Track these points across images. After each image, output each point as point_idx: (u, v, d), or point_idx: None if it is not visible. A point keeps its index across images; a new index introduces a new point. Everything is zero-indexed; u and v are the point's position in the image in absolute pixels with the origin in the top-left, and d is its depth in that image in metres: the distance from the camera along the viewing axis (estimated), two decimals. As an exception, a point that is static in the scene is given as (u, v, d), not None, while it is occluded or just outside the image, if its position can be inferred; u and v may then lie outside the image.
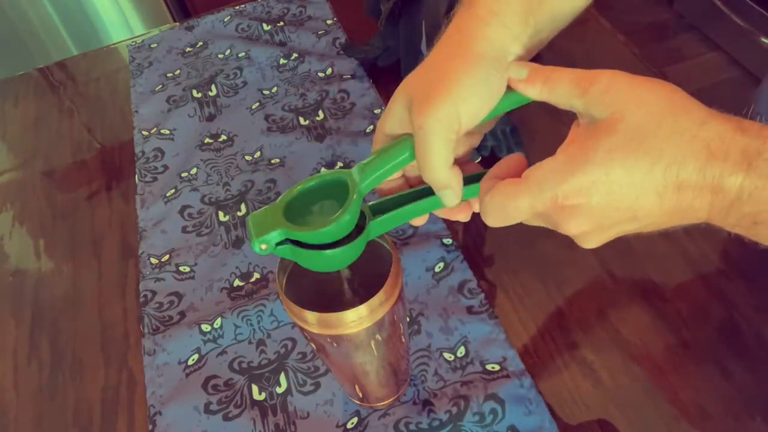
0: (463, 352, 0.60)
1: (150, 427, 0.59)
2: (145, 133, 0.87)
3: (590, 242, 0.38)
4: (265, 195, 0.76)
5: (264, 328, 0.64)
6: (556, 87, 0.37)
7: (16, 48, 1.66)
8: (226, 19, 1.01)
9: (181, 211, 0.77)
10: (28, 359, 0.67)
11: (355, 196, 0.40)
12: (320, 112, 0.85)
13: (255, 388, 0.60)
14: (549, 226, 0.39)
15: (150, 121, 0.89)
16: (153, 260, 0.72)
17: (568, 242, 0.39)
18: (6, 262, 0.78)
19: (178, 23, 1.05)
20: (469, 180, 0.42)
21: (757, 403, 0.54)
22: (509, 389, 0.57)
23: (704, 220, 0.35)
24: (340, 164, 0.78)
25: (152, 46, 1.01)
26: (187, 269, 0.71)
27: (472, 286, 0.64)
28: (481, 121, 0.40)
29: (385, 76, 0.87)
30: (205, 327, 0.65)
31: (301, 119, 0.84)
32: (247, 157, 0.81)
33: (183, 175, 0.81)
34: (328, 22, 0.98)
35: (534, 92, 0.38)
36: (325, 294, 0.46)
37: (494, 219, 0.39)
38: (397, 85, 0.42)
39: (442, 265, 0.66)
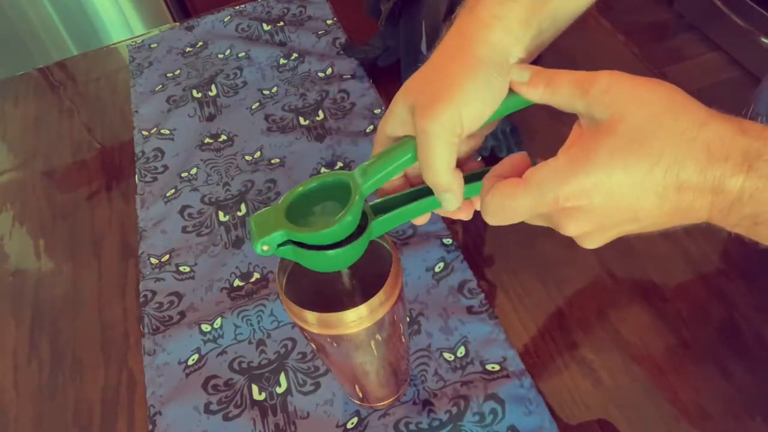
0: (463, 352, 0.60)
1: (150, 427, 0.59)
2: (145, 133, 0.87)
3: (591, 243, 0.38)
4: (265, 195, 0.76)
5: (264, 328, 0.64)
6: (558, 89, 0.37)
7: (16, 48, 1.66)
8: (226, 19, 1.01)
9: (181, 211, 0.77)
10: (28, 359, 0.67)
11: (357, 198, 0.40)
12: (320, 112, 0.85)
13: (255, 388, 0.60)
14: (550, 226, 0.39)
15: (150, 121, 0.89)
16: (153, 260, 0.72)
17: (568, 242, 0.39)
18: (6, 262, 0.78)
19: (178, 23, 1.05)
20: (472, 178, 0.42)
21: (757, 403, 0.54)
22: (509, 389, 0.57)
23: (705, 220, 0.35)
24: (340, 164, 0.78)
25: (152, 46, 1.01)
26: (187, 269, 0.71)
27: (472, 286, 0.64)
28: (483, 124, 0.40)
29: (385, 76, 0.87)
30: (205, 327, 0.65)
31: (301, 119, 0.84)
32: (247, 157, 0.81)
33: (183, 175, 0.81)
34: (328, 22, 0.98)
35: (536, 95, 0.38)
36: (325, 294, 0.46)
37: (495, 218, 0.39)
38: (397, 85, 0.42)
39: (442, 265, 0.66)
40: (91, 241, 0.77)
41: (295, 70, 0.91)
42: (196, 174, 0.80)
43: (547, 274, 0.64)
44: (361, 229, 0.41)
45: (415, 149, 0.40)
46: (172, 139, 0.85)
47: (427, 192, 0.42)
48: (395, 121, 0.42)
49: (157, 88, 0.93)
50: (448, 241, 0.68)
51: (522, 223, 0.39)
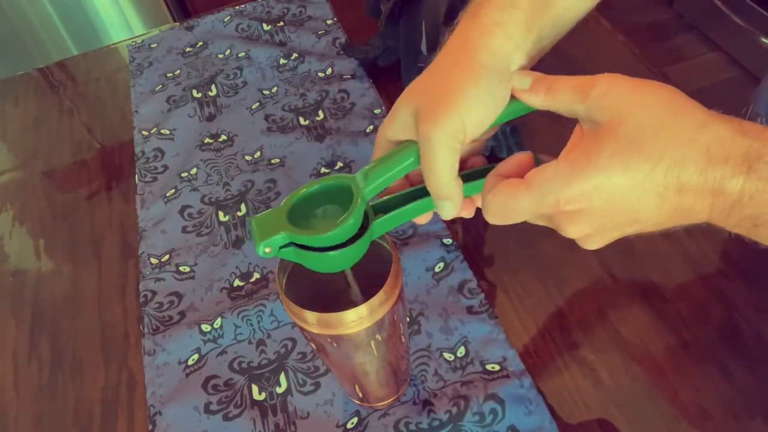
0: (463, 352, 0.60)
1: (150, 427, 0.59)
2: (145, 133, 0.87)
3: (592, 244, 0.39)
4: (265, 195, 0.76)
5: (264, 328, 0.64)
6: (558, 95, 0.37)
7: (16, 48, 1.66)
8: (226, 19, 1.01)
9: (181, 211, 0.77)
10: (28, 359, 0.67)
11: (359, 201, 0.40)
12: (320, 112, 0.85)
13: (255, 388, 0.60)
14: (551, 227, 0.39)
15: (150, 121, 0.89)
16: (153, 260, 0.72)
17: (568, 242, 0.39)
18: (6, 262, 0.78)
19: (178, 23, 1.05)
20: (473, 176, 0.42)
21: (757, 403, 0.54)
22: (509, 389, 0.57)
23: (705, 220, 0.35)
24: (340, 164, 0.78)
25: (152, 46, 1.01)
26: (187, 269, 0.71)
27: (472, 286, 0.64)
28: (485, 130, 0.40)
29: (385, 76, 0.87)
30: (205, 327, 0.65)
31: (301, 119, 0.84)
32: (247, 157, 0.81)
33: (183, 175, 0.81)
34: (328, 22, 0.98)
35: (538, 101, 0.38)
36: (325, 294, 0.46)
37: (496, 217, 0.39)
38: (398, 85, 0.42)
39: (442, 265, 0.66)
40: (91, 241, 0.77)
41: (295, 70, 0.91)
42: (196, 174, 0.80)
43: (548, 274, 0.64)
44: (362, 229, 0.41)
45: (417, 154, 0.40)
46: (172, 139, 0.85)
47: (428, 191, 0.42)
48: (397, 125, 0.42)
49: (157, 88, 0.93)
50: (448, 241, 0.68)
51: (522, 223, 0.39)
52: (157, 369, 0.63)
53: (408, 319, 0.62)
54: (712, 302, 0.60)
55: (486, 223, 0.39)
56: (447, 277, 0.65)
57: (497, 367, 0.58)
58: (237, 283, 0.69)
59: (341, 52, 0.92)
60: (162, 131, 0.87)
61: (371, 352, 0.48)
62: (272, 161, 0.80)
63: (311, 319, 0.44)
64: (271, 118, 0.85)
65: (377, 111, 0.83)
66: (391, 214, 0.43)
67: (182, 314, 0.67)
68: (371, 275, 0.46)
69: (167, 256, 0.72)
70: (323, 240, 0.40)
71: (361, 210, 0.41)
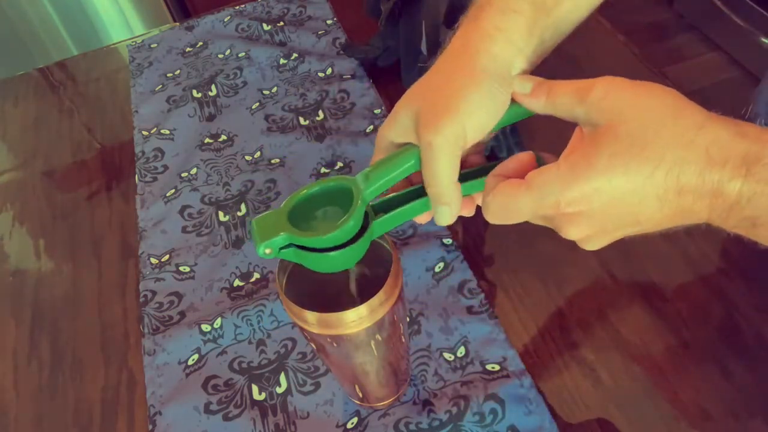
0: (463, 352, 0.60)
1: (150, 427, 0.59)
2: (145, 133, 0.87)
3: (592, 245, 0.39)
4: (265, 195, 0.76)
5: (264, 328, 0.64)
6: (558, 98, 0.37)
7: (16, 48, 1.66)
8: (226, 19, 1.01)
9: (181, 211, 0.77)
10: (28, 359, 0.67)
11: (359, 203, 0.40)
12: (320, 112, 0.85)
13: (255, 388, 0.60)
14: (551, 227, 0.39)
15: (150, 121, 0.89)
16: (153, 260, 0.72)
17: (568, 242, 0.39)
18: (6, 262, 0.78)
19: (178, 23, 1.05)
20: (474, 174, 0.42)
21: (757, 403, 0.54)
22: (509, 389, 0.57)
23: (704, 221, 0.35)
24: (340, 164, 0.78)
25: (152, 46, 1.01)
26: (187, 269, 0.71)
27: (472, 286, 0.64)
28: (486, 135, 0.40)
29: (385, 76, 0.87)
30: (205, 327, 0.65)
31: (301, 119, 0.84)
32: (247, 157, 0.81)
33: (183, 175, 0.81)
34: (328, 22, 0.98)
35: (538, 106, 0.39)
36: (325, 294, 0.46)
37: (496, 217, 0.39)
38: (398, 85, 0.42)
39: (442, 265, 0.66)
40: (91, 241, 0.77)
41: (295, 70, 0.91)
42: (196, 174, 0.80)
43: (548, 274, 0.64)
44: (362, 229, 0.42)
45: (418, 157, 0.40)
46: (172, 139, 0.85)
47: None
48: (398, 127, 0.42)
49: (157, 88, 0.93)
50: (448, 241, 0.68)
51: (522, 223, 0.39)
52: (157, 369, 0.63)
53: (408, 319, 0.62)
54: (712, 302, 0.60)
55: (486, 223, 0.39)
56: (447, 277, 0.65)
57: (497, 367, 0.58)
58: (237, 283, 0.69)
59: (341, 52, 0.92)
60: (162, 131, 0.87)
61: (371, 352, 0.48)
62: (272, 161, 0.80)
63: (311, 319, 0.44)
64: (271, 118, 0.85)
65: (377, 111, 0.83)
66: (391, 213, 0.43)
67: (182, 314, 0.67)
68: (371, 275, 0.46)
69: (167, 256, 0.72)
70: (323, 241, 0.40)
71: (362, 212, 0.41)
